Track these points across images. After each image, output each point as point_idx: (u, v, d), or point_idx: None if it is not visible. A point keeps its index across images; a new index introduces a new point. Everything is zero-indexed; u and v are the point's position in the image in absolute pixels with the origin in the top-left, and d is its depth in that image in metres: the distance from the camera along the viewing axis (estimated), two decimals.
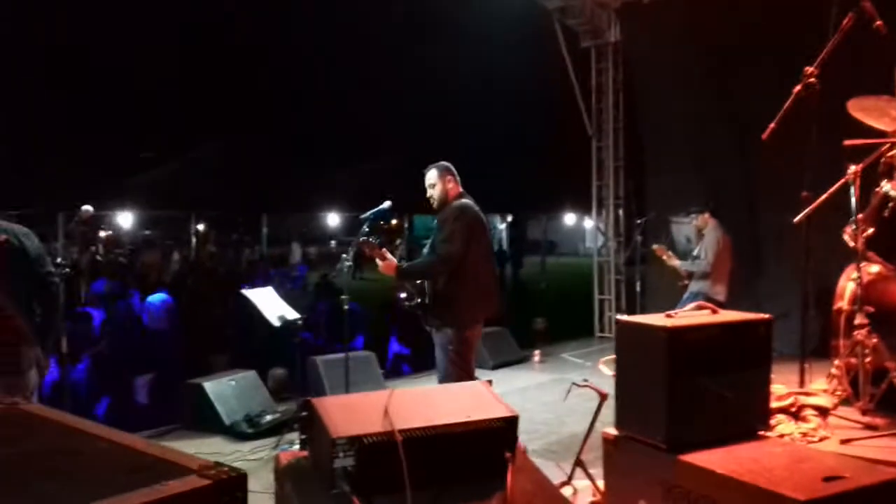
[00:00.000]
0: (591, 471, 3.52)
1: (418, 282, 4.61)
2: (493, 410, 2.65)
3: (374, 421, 2.51)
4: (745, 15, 7.85)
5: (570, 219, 40.49)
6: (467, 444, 2.56)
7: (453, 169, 4.71)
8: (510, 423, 2.62)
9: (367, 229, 4.77)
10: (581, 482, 3.67)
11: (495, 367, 7.92)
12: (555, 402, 6.18)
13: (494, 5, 10.50)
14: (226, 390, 5.69)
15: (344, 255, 5.09)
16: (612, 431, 3.07)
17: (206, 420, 5.53)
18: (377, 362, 6.93)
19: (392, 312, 8.90)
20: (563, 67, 9.58)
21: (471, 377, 4.37)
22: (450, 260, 4.42)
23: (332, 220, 30.58)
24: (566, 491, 3.46)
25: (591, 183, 10.03)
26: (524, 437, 4.79)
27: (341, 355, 5.73)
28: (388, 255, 4.56)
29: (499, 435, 2.59)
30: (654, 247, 7.71)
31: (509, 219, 32.84)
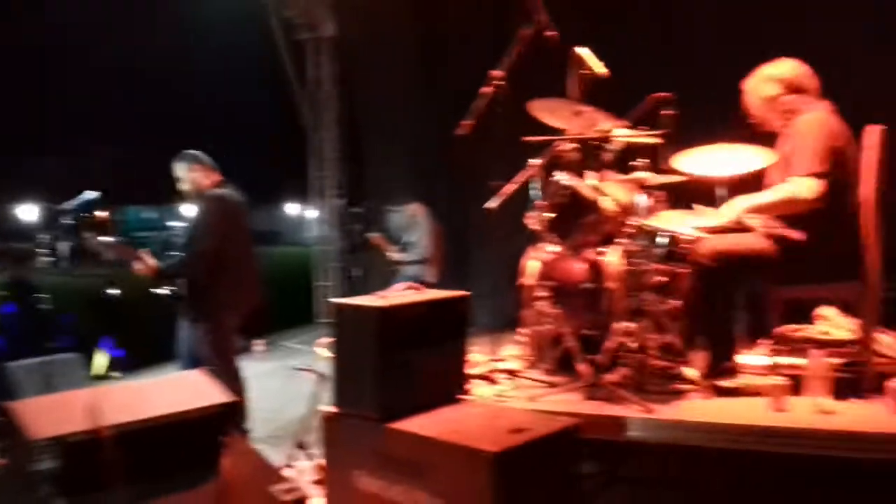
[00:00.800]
0: (313, 451, 3.66)
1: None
2: (209, 398, 2.68)
3: (80, 419, 2.41)
4: (455, 15, 8.44)
5: (293, 208, 40.29)
6: (183, 434, 2.56)
7: (203, 157, 4.57)
8: (227, 409, 2.66)
9: (73, 222, 4.51)
10: (303, 463, 3.79)
11: None
12: (278, 389, 6.25)
13: None
14: None
15: (41, 251, 4.73)
16: (330, 409, 3.22)
17: None
18: (85, 365, 6.47)
19: (103, 310, 8.31)
20: (281, 58, 9.56)
21: (231, 369, 4.34)
22: (204, 256, 4.32)
23: (29, 212, 27.44)
24: (288, 473, 3.56)
25: (311, 173, 10.15)
26: (248, 426, 4.82)
27: (41, 359, 5.27)
28: (147, 258, 4.35)
29: (216, 422, 2.62)
30: (371, 236, 8.08)
31: None
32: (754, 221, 3.67)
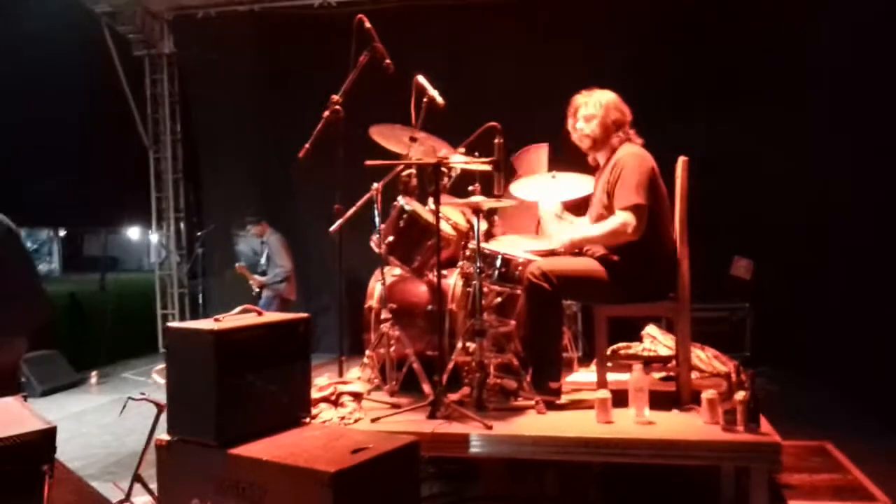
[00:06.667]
0: (151, 485, 3.52)
1: None
2: (25, 425, 2.53)
3: None
4: (297, 38, 8.46)
5: (134, 233, 38.42)
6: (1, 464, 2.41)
7: None
8: (46, 436, 2.53)
9: None
10: (141, 498, 3.65)
11: (45, 393, 7.34)
12: (114, 423, 6.00)
13: (37, 5, 9.73)
14: None
15: None
16: (165, 438, 3.12)
17: None
18: None
19: None
20: (117, 75, 9.20)
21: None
22: None
23: None
24: None
25: (151, 195, 9.80)
26: (81, 463, 4.57)
27: None
28: None
29: (34, 449, 2.48)
30: (236, 266, 7.98)
31: (62, 233, 30.00)
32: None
